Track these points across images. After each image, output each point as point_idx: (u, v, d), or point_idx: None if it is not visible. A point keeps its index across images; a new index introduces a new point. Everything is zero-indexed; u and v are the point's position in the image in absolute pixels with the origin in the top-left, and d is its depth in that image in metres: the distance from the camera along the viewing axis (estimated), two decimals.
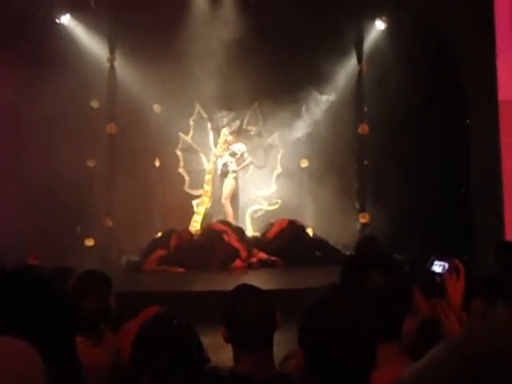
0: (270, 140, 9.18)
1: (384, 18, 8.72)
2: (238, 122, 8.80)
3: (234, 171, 8.63)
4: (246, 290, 1.66)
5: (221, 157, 8.77)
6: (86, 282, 2.10)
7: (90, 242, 8.42)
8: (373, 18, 8.78)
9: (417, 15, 7.98)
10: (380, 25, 8.79)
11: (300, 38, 8.24)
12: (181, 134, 9.05)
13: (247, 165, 8.83)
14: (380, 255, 1.69)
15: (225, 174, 8.70)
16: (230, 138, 8.74)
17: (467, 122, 7.79)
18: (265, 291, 1.65)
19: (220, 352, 1.83)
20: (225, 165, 8.70)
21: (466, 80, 7.59)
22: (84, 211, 8.11)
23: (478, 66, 7.10)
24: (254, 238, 8.32)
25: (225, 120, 8.80)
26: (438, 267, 1.59)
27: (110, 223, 8.40)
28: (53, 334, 1.26)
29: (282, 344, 1.80)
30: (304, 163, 9.14)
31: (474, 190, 7.60)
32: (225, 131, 8.77)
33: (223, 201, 8.64)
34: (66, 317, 1.30)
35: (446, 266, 1.56)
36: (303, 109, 9.03)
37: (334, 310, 1.19)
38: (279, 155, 9.14)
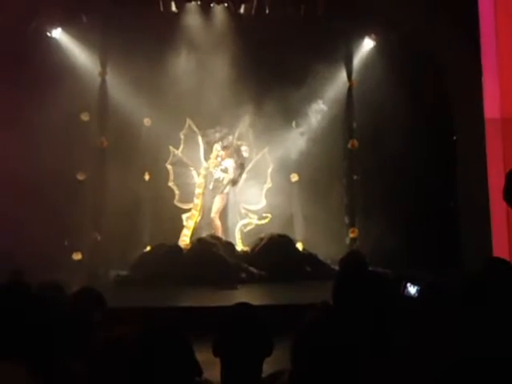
0: (259, 155, 9.22)
1: (373, 35, 8.87)
2: (230, 138, 8.83)
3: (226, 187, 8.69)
4: (246, 311, 1.65)
5: (213, 172, 8.79)
6: (77, 301, 2.07)
7: (77, 256, 8.33)
8: (362, 36, 8.93)
9: (405, 33, 8.14)
10: (369, 42, 8.94)
11: (290, 54, 8.34)
12: (171, 148, 9.05)
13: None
14: (365, 271, 1.71)
15: (217, 189, 8.71)
16: (221, 153, 8.77)
17: (454, 138, 7.91)
18: (263, 315, 1.65)
19: (210, 368, 1.82)
20: (217, 180, 8.72)
21: (454, 97, 7.73)
22: (72, 224, 8.04)
23: (464, 83, 7.24)
24: (244, 253, 8.29)
25: (217, 135, 8.82)
26: (412, 289, 1.60)
27: (98, 237, 8.33)
28: (41, 351, 1.25)
29: (269, 361, 1.79)
30: (294, 178, 9.18)
31: (461, 205, 7.68)
32: (217, 146, 8.80)
33: (213, 215, 8.63)
34: (53, 335, 1.29)
35: (419, 288, 1.57)
36: (293, 124, 9.11)
37: (327, 330, 1.19)
38: (269, 170, 9.17)
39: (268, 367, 1.71)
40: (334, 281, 1.51)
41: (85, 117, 8.58)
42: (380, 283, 1.44)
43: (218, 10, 8.78)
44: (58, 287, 2.82)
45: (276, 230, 8.49)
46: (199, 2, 8.67)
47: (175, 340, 1.39)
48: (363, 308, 1.36)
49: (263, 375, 1.62)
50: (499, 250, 6.18)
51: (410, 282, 1.62)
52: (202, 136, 9.00)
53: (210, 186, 8.78)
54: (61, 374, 1.19)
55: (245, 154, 9.08)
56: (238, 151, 8.79)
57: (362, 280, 1.45)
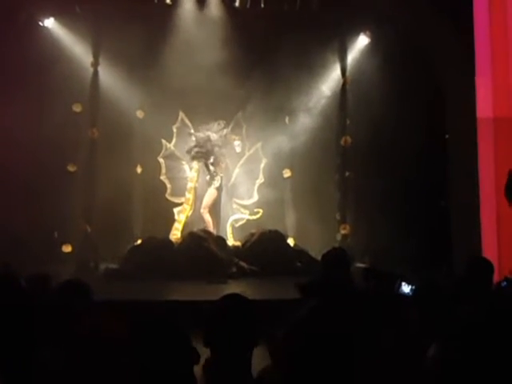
0: (252, 150, 9.19)
1: (368, 32, 8.87)
2: (225, 131, 8.78)
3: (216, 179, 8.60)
4: (237, 301, 1.65)
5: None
6: (61, 292, 2.04)
7: (67, 249, 8.27)
8: (357, 33, 8.92)
9: (399, 31, 8.15)
10: (363, 39, 8.94)
11: (285, 49, 8.31)
12: (163, 141, 9.00)
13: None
14: (347, 269, 1.72)
15: (210, 182, 8.67)
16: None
17: (447, 136, 7.95)
18: (254, 306, 1.64)
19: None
20: (210, 174, 8.67)
21: (447, 95, 7.75)
22: (62, 216, 7.97)
23: (457, 82, 7.27)
24: (235, 248, 8.28)
25: (213, 129, 8.74)
26: (406, 288, 1.61)
27: (88, 229, 8.27)
28: (25, 344, 1.23)
29: (260, 354, 1.79)
30: (286, 173, 9.18)
31: (452, 204, 7.73)
32: None
33: (201, 210, 8.60)
34: (37, 327, 1.27)
35: (413, 287, 1.59)
36: (286, 120, 9.09)
37: (317, 324, 1.19)
38: (262, 165, 9.16)
39: (259, 361, 1.71)
40: (314, 276, 1.52)
41: (76, 108, 8.50)
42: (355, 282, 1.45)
43: (213, 3, 8.72)
44: (46, 279, 2.79)
45: (267, 225, 8.49)
46: None
47: (170, 329, 1.39)
48: (343, 303, 1.37)
49: (255, 371, 1.62)
50: (489, 248, 6.23)
51: (404, 281, 1.64)
52: (194, 129, 8.92)
53: (207, 178, 8.73)
54: (43, 366, 1.17)
55: (237, 149, 9.04)
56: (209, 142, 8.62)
57: (342, 277, 1.46)
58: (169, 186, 8.96)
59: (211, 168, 8.60)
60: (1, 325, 1.24)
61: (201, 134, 8.65)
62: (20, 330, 1.26)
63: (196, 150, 8.56)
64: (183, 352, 1.33)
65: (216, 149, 8.58)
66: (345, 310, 1.37)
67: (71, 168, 8.44)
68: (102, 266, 7.76)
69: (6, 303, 1.31)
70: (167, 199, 8.91)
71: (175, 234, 8.50)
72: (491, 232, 6.36)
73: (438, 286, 1.98)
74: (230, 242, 8.55)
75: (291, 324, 1.22)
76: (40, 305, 1.47)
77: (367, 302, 1.44)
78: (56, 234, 8.23)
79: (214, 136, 8.57)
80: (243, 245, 8.27)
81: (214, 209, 8.76)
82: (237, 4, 8.55)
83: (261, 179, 9.14)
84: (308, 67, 8.67)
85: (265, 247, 7.92)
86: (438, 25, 7.32)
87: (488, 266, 2.94)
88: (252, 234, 8.32)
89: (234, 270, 7.62)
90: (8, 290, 1.44)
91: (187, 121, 9.05)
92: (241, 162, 9.12)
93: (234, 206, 9.06)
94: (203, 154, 8.56)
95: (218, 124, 8.65)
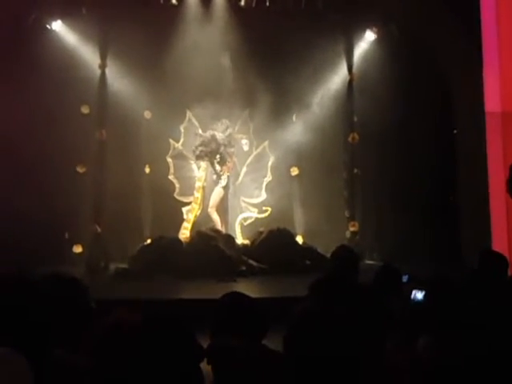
0: (260, 148, 9.20)
1: (374, 28, 8.83)
2: (229, 130, 8.79)
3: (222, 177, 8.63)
4: (235, 298, 1.67)
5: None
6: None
7: (78, 249, 8.35)
8: (363, 29, 8.89)
9: (406, 26, 8.11)
10: (370, 35, 8.90)
11: (291, 46, 8.31)
12: (171, 141, 9.04)
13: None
14: (356, 266, 1.72)
15: (216, 181, 8.70)
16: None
17: (455, 132, 7.91)
18: (254, 300, 1.66)
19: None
20: (217, 173, 8.70)
21: (454, 90, 7.71)
22: (73, 217, 8.05)
23: (465, 77, 7.22)
24: (244, 246, 8.31)
25: (217, 129, 8.76)
26: (419, 294, 1.62)
27: (98, 230, 8.34)
28: (40, 345, 1.26)
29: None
30: (294, 171, 9.17)
31: (461, 199, 7.69)
32: None
33: (209, 210, 8.63)
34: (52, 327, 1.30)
35: (424, 291, 1.60)
36: (293, 117, 9.09)
37: (321, 322, 1.20)
38: (269, 163, 9.17)
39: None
40: (324, 273, 1.53)
41: (85, 109, 8.56)
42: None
43: (219, 3, 8.73)
44: (62, 279, 2.81)
45: (276, 223, 8.50)
46: None
47: (177, 328, 1.41)
48: (352, 301, 1.38)
49: None
50: (499, 243, 6.19)
51: (416, 288, 1.65)
52: (201, 128, 8.94)
53: (214, 177, 8.76)
54: (57, 367, 1.20)
55: (245, 148, 9.06)
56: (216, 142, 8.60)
57: (352, 274, 1.47)
58: (177, 185, 9.00)
59: (217, 167, 8.63)
60: (15, 325, 1.27)
61: (206, 134, 8.68)
62: (34, 331, 1.29)
63: (200, 148, 8.59)
64: (188, 350, 1.34)
65: (222, 148, 8.59)
66: (350, 309, 1.38)
67: (80, 169, 8.51)
68: (112, 266, 7.83)
69: (20, 304, 1.34)
70: (176, 199, 8.95)
71: (184, 233, 8.54)
72: (501, 226, 6.32)
73: (449, 280, 1.97)
74: (239, 240, 8.58)
75: (293, 324, 1.24)
76: (52, 304, 1.50)
77: (374, 301, 1.45)
78: (67, 235, 8.31)
79: (219, 135, 8.59)
80: (252, 243, 8.29)
81: (222, 207, 8.79)
82: (242, 3, 8.55)
83: (269, 177, 9.15)
84: (314, 64, 8.65)
85: (273, 245, 7.93)
86: (445, 18, 7.28)
87: (502, 259, 2.95)
88: (260, 232, 8.34)
89: (243, 268, 7.64)
90: (22, 290, 1.47)
91: (194, 120, 9.08)
92: (248, 160, 9.14)
93: (243, 204, 9.08)
94: (208, 153, 8.59)
95: (222, 123, 8.68)
